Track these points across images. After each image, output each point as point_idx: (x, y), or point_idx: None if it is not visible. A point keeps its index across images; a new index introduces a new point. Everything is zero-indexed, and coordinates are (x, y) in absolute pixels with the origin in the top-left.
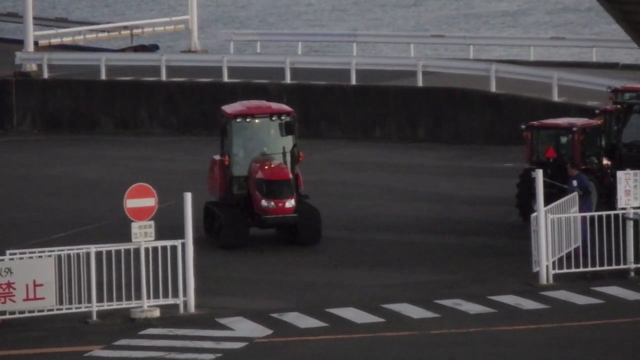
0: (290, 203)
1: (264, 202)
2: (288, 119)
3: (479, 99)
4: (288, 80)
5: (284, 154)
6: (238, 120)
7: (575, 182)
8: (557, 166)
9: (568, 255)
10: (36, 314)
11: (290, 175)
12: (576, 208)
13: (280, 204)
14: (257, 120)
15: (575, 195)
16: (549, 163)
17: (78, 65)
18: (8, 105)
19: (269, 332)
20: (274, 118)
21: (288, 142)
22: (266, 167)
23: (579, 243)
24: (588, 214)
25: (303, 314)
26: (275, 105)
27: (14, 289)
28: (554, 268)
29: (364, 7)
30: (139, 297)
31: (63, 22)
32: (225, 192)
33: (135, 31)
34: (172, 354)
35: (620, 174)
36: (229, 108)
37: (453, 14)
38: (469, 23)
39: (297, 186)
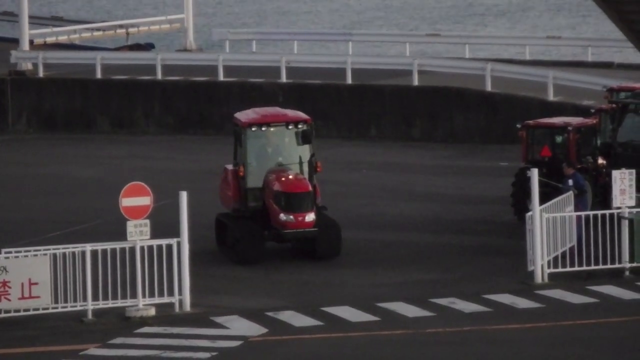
0: (310, 217)
1: (282, 216)
2: (305, 127)
3: (474, 98)
4: (284, 79)
5: (300, 164)
6: (253, 129)
7: (570, 182)
8: (552, 165)
9: (563, 255)
10: (31, 312)
11: (311, 188)
12: (571, 207)
13: (300, 218)
14: (272, 129)
15: (570, 194)
16: (544, 162)
17: (73, 64)
18: (3, 104)
19: (264, 330)
20: (290, 126)
21: (304, 151)
22: (285, 179)
23: (574, 242)
24: (583, 213)
25: (298, 312)
26: (291, 113)
27: (9, 287)
28: (549, 267)
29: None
30: (134, 295)
31: (58, 20)
32: (239, 203)
33: (130, 30)
34: (168, 353)
35: (615, 173)
36: (242, 116)
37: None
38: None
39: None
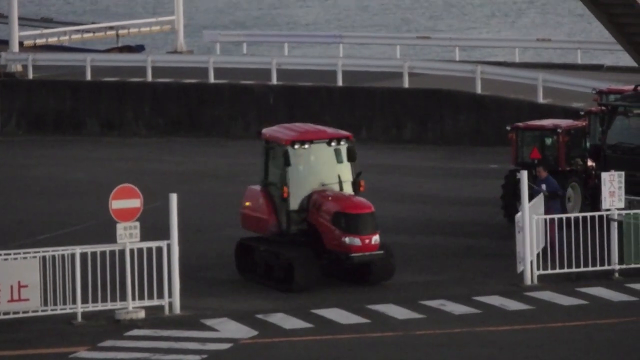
0: (376, 239)
1: (346, 239)
2: (349, 144)
3: (464, 100)
4: (274, 81)
5: (340, 182)
6: (296, 147)
7: (544, 186)
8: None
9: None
10: (21, 315)
11: (373, 208)
12: (542, 210)
13: (366, 240)
14: (314, 147)
15: (541, 196)
16: (534, 164)
17: (63, 65)
18: None
19: (254, 333)
20: (332, 144)
21: (343, 169)
22: (341, 199)
23: (546, 244)
24: (556, 216)
25: (288, 314)
26: (330, 130)
27: None
28: (538, 269)
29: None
30: (124, 298)
31: (48, 22)
32: (278, 227)
33: (121, 31)
34: (157, 355)
35: (604, 176)
36: (280, 134)
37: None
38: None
39: None
